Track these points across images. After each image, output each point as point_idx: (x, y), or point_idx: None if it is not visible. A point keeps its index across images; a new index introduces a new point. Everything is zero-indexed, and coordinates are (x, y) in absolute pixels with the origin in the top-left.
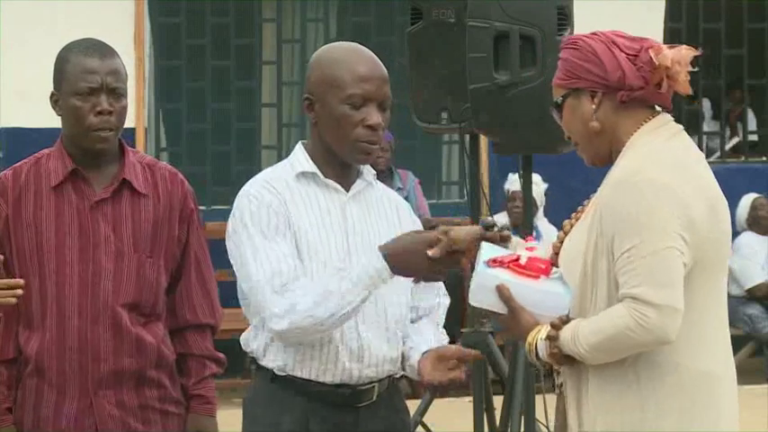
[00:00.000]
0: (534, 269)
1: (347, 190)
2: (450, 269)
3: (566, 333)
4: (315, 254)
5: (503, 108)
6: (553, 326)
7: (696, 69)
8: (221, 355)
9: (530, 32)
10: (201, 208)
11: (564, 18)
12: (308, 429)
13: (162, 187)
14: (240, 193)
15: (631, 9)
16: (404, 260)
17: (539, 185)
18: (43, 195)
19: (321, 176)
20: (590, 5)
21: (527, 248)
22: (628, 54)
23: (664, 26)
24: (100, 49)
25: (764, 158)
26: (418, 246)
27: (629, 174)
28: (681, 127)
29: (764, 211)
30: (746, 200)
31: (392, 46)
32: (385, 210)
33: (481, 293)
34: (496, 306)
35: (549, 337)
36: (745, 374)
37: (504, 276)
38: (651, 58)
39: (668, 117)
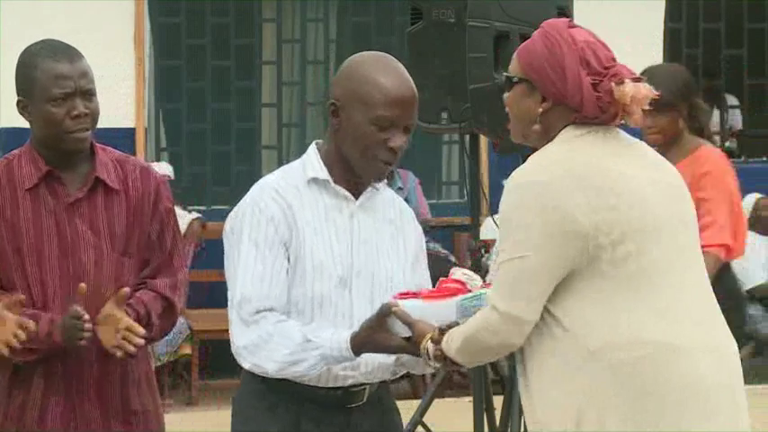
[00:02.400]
0: (443, 292)
1: (357, 197)
2: None
3: (445, 337)
4: (317, 262)
5: (503, 108)
6: (433, 340)
7: (649, 107)
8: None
9: (530, 32)
10: (201, 208)
11: (564, 18)
12: (300, 429)
13: (132, 182)
14: (248, 196)
15: (631, 9)
16: (369, 350)
17: None
18: (18, 198)
19: (332, 183)
20: (590, 5)
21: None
22: (593, 78)
23: (664, 26)
24: (67, 52)
25: (765, 158)
26: (387, 350)
27: (514, 176)
28: (608, 132)
29: (767, 211)
30: (750, 198)
31: (392, 46)
32: (390, 218)
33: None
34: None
35: (432, 340)
36: (746, 374)
37: (404, 303)
38: (612, 89)
39: (577, 131)
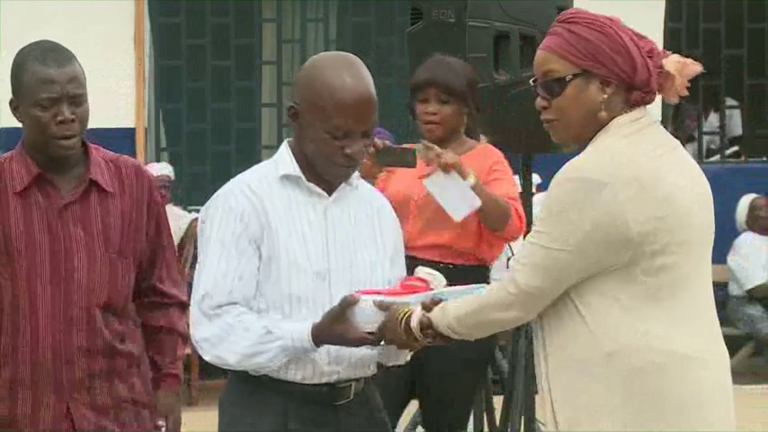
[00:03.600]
0: (406, 289)
1: (330, 193)
2: None
3: (437, 307)
4: (293, 259)
5: (503, 108)
6: (424, 306)
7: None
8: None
9: (530, 32)
10: (201, 208)
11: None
12: (287, 428)
13: (127, 182)
14: (221, 191)
15: (631, 9)
16: (330, 341)
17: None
18: (9, 199)
19: (304, 180)
20: (590, 5)
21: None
22: (646, 53)
23: (664, 26)
24: (57, 55)
25: (765, 158)
26: (346, 342)
27: (571, 170)
28: (652, 120)
29: (763, 211)
30: (745, 200)
31: (392, 46)
32: (367, 213)
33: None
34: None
35: (423, 307)
36: (746, 374)
37: (366, 297)
38: (662, 64)
39: (644, 111)
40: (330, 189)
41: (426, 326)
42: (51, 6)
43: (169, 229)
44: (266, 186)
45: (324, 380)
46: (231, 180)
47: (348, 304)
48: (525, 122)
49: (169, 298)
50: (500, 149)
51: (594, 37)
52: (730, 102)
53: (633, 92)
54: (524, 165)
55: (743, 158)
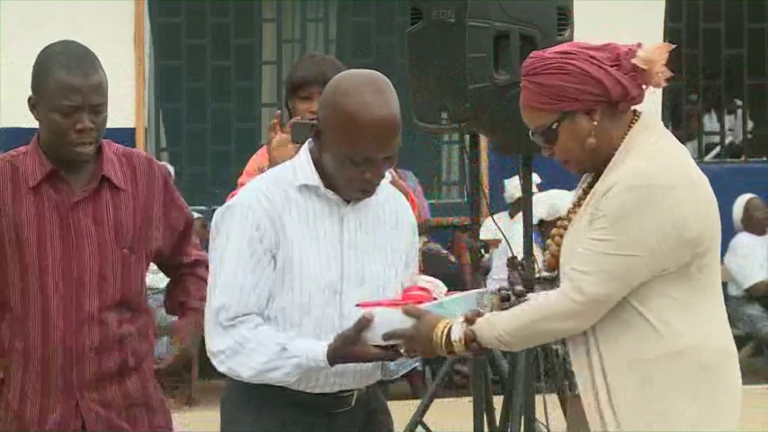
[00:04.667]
0: (409, 300)
1: (348, 201)
2: None
3: (482, 319)
4: (306, 269)
5: (503, 108)
6: (467, 319)
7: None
8: None
9: (530, 32)
10: (201, 208)
11: (564, 18)
12: (285, 431)
13: (140, 176)
14: (235, 199)
15: (631, 9)
16: (345, 361)
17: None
18: (21, 194)
19: (322, 188)
20: (590, 5)
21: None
22: (611, 66)
23: (664, 26)
24: (83, 63)
25: (764, 158)
26: (362, 361)
27: (632, 177)
28: (649, 120)
29: (759, 211)
30: (741, 200)
31: (392, 46)
32: (385, 218)
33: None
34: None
35: (466, 320)
36: (746, 374)
37: (374, 310)
38: (634, 63)
39: (651, 115)
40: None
41: (471, 339)
42: (51, 6)
43: (186, 209)
44: (283, 194)
45: (326, 390)
46: (250, 185)
47: (362, 327)
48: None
49: (195, 262)
50: (500, 149)
51: (557, 80)
52: (735, 102)
53: (618, 104)
54: (524, 165)
55: (743, 158)
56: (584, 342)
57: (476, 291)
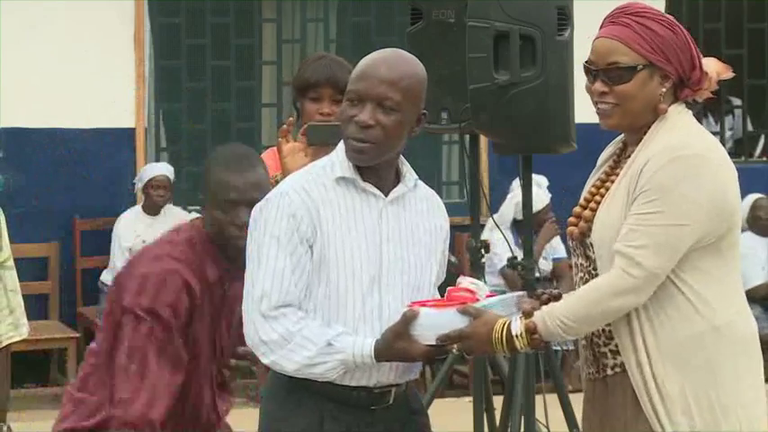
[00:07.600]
0: (455, 300)
1: (386, 194)
2: None
3: (543, 311)
4: (343, 263)
5: (503, 108)
6: (525, 313)
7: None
8: None
9: (530, 32)
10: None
11: (564, 18)
12: (323, 429)
13: None
14: (275, 191)
15: None
16: (392, 359)
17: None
18: (204, 292)
19: (360, 181)
20: (590, 5)
21: (488, 295)
22: (699, 55)
23: None
24: (241, 162)
25: (765, 158)
26: (410, 359)
27: (676, 148)
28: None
29: (764, 212)
30: (748, 200)
31: (392, 46)
32: (422, 215)
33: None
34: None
35: (524, 314)
36: None
37: (421, 310)
38: (703, 65)
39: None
40: (387, 190)
41: (533, 331)
42: (51, 6)
43: None
44: (321, 188)
45: (363, 382)
46: (289, 178)
47: (410, 320)
48: (525, 122)
49: None
50: (500, 149)
51: (665, 33)
52: (735, 101)
53: (684, 89)
54: (524, 165)
55: (743, 158)
56: (628, 322)
57: (515, 293)
